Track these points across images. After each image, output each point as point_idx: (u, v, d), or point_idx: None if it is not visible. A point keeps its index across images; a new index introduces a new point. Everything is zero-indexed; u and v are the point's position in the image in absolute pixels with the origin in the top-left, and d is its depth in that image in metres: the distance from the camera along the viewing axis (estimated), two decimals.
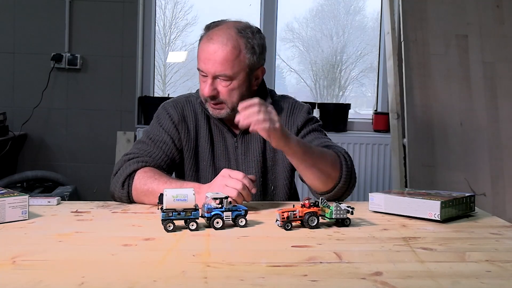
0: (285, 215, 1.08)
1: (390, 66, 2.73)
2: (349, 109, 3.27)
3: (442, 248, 0.98)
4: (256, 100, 1.19)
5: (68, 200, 2.09)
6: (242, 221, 1.09)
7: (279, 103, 1.54)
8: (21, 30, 3.05)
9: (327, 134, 1.57)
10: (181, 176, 1.54)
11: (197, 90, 1.57)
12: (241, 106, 1.19)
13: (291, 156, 1.28)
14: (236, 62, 1.39)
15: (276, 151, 1.51)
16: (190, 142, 1.49)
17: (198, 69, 1.42)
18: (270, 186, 1.53)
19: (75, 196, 2.89)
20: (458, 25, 2.74)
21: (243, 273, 0.80)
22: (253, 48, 1.41)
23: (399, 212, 1.22)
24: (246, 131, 1.50)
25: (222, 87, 1.40)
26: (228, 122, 1.50)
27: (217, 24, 1.44)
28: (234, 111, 1.41)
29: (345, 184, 1.36)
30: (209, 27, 1.44)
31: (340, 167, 1.35)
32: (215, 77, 1.39)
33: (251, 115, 1.17)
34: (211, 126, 1.51)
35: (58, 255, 0.89)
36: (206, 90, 1.39)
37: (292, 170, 1.52)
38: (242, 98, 1.42)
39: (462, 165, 2.63)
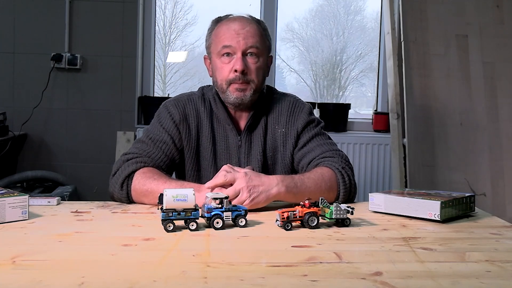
0: (285, 215, 1.08)
1: (390, 66, 2.73)
2: (349, 109, 3.27)
3: (442, 248, 0.97)
4: (239, 184, 1.20)
5: (68, 200, 2.09)
6: (242, 221, 1.09)
7: (280, 101, 1.55)
8: (21, 30, 3.05)
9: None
10: (181, 176, 1.54)
11: (200, 88, 1.57)
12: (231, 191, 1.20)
13: (283, 200, 1.28)
14: (262, 38, 1.47)
15: (276, 150, 1.52)
16: (192, 141, 1.49)
17: (222, 50, 1.42)
18: None
19: (75, 196, 2.89)
20: (458, 25, 2.75)
21: (243, 273, 0.80)
22: (267, 33, 1.50)
23: (399, 212, 1.22)
24: (250, 129, 1.50)
25: (251, 63, 1.43)
26: (236, 120, 1.51)
27: (228, 15, 1.50)
28: (255, 94, 1.46)
29: (343, 200, 1.36)
30: (221, 18, 1.49)
31: (337, 187, 1.35)
32: (243, 54, 1.42)
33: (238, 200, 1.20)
34: (213, 125, 1.51)
35: (58, 255, 0.89)
36: (239, 64, 1.40)
37: (292, 170, 1.52)
38: (263, 82, 1.49)
39: (462, 165, 2.63)
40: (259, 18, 1.53)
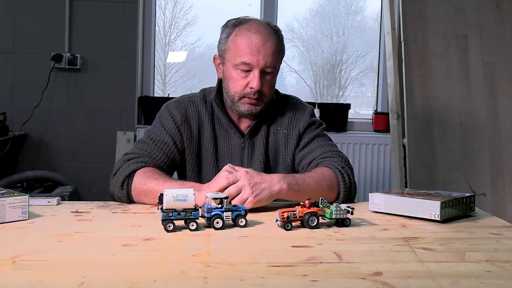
0: (285, 215, 1.08)
1: (390, 66, 2.73)
2: (349, 109, 3.27)
3: (442, 248, 0.97)
4: (241, 182, 1.19)
5: (68, 200, 2.09)
6: (242, 221, 1.09)
7: (282, 102, 1.55)
8: (21, 30, 3.05)
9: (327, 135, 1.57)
10: (183, 177, 1.53)
11: (201, 90, 1.57)
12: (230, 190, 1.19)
13: (285, 198, 1.28)
14: (279, 55, 1.44)
15: (277, 152, 1.52)
16: (193, 143, 1.49)
17: (240, 65, 1.39)
18: None
19: (75, 196, 2.89)
20: (458, 25, 2.74)
21: (243, 273, 0.80)
22: (283, 43, 1.47)
23: (399, 212, 1.22)
24: (253, 132, 1.50)
25: (266, 80, 1.42)
26: (237, 123, 1.51)
27: (247, 20, 1.44)
28: (265, 106, 1.46)
29: (343, 199, 1.36)
30: (240, 22, 1.43)
31: (338, 186, 1.35)
32: (261, 70, 1.39)
33: (239, 198, 1.18)
34: (215, 127, 1.50)
35: (58, 255, 0.89)
36: (256, 83, 1.38)
37: (293, 171, 1.52)
38: (273, 93, 1.49)
39: (462, 165, 2.63)
40: (276, 25, 1.47)
